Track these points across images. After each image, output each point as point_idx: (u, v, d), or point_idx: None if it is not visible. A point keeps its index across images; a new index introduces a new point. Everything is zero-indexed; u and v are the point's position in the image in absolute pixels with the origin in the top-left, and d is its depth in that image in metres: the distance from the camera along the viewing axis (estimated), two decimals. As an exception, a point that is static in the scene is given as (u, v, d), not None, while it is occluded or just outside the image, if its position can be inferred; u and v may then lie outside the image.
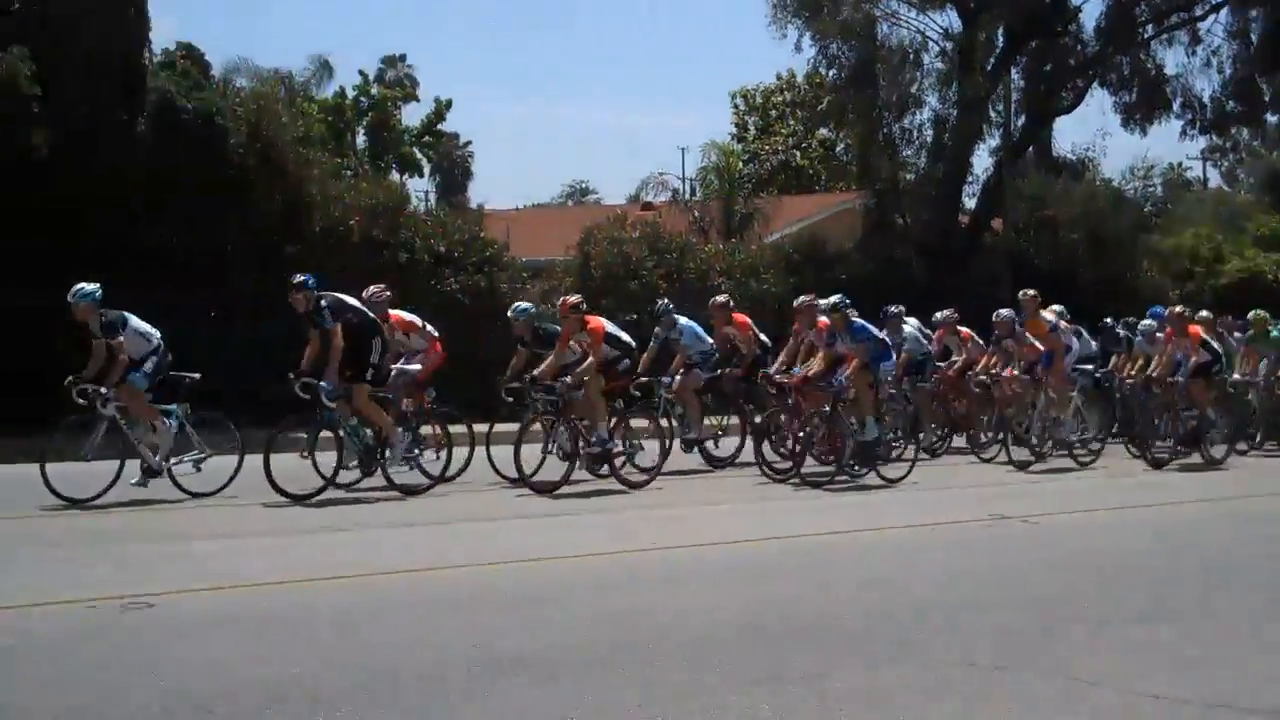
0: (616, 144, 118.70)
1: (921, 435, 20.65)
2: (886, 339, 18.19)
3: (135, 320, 15.19)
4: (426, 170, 60.16)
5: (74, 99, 24.04)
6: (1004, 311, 20.70)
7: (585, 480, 16.42)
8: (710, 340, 19.40)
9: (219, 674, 7.14)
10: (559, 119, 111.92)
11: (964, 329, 22.52)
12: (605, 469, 16.46)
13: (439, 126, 58.57)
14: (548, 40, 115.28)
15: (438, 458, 16.51)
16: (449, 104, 57.86)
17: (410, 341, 16.95)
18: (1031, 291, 20.46)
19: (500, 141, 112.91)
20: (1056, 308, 21.54)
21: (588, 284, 29.96)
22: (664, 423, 18.13)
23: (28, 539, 12.34)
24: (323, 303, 15.07)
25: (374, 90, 56.72)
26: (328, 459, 15.17)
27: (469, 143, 59.91)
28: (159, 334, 15.42)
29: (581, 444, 16.17)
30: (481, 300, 27.49)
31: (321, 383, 14.87)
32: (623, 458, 16.53)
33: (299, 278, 15.32)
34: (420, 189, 55.91)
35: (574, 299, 16.60)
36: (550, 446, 16.51)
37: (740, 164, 48.32)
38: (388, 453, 15.56)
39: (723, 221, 38.68)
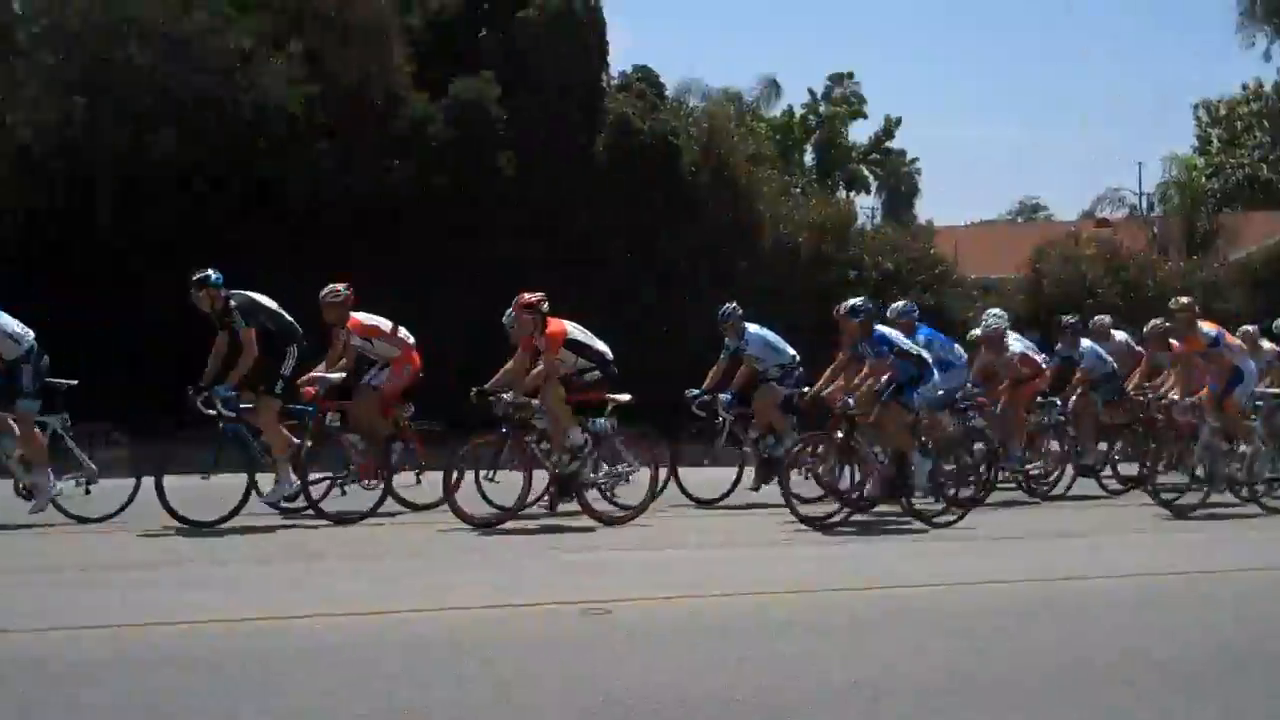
0: (1067, 159, 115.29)
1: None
2: (925, 354, 14.52)
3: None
4: (873, 187, 59.97)
5: (536, 122, 25.09)
6: (1156, 322, 17.83)
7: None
8: (790, 350, 16.13)
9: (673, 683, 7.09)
10: (1006, 135, 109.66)
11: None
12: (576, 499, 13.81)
13: (887, 144, 58.34)
14: (994, 56, 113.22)
15: (418, 481, 14.50)
16: (898, 121, 57.60)
17: (375, 348, 14.51)
18: (1186, 299, 16.04)
19: (947, 158, 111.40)
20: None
21: (1040, 302, 29.19)
22: (743, 449, 15.75)
23: (294, 552, 11.90)
24: (232, 303, 13.20)
25: (821, 108, 56.98)
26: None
27: (915, 159, 59.36)
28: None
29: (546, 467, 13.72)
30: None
31: (219, 388, 12.90)
32: (594, 487, 13.98)
33: (201, 274, 13.22)
34: (866, 206, 55.75)
35: (532, 296, 13.70)
36: (490, 473, 13.93)
37: (1203, 178, 46.08)
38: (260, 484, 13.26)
39: (1183, 238, 36.96)
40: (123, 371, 20.16)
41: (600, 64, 26.92)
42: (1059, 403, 17.07)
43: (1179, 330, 15.72)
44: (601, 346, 14.08)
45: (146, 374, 19.62)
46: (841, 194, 49.80)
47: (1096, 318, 18.99)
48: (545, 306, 13.69)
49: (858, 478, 14.06)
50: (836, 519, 13.68)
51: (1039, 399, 16.99)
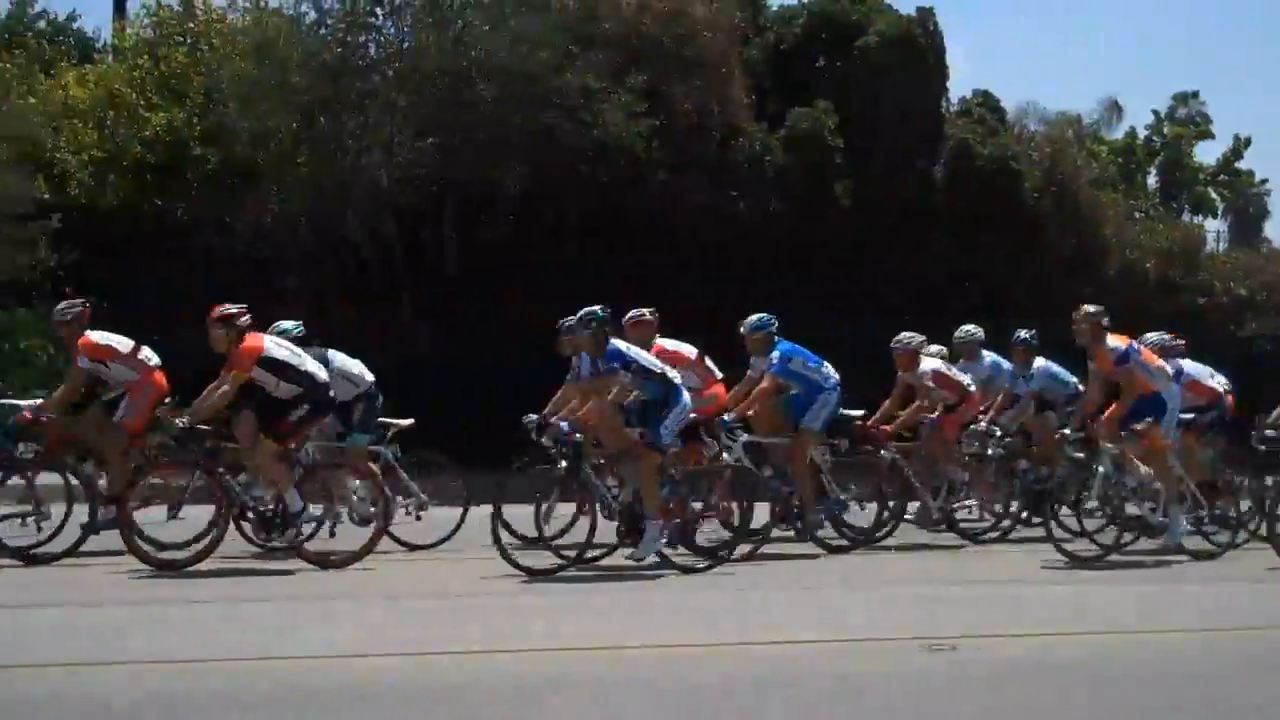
0: None
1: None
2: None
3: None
4: (1220, 210, 57.47)
5: (874, 150, 24.94)
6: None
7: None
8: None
9: None
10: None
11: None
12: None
13: (1236, 165, 55.88)
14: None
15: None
16: (1247, 142, 55.09)
17: (112, 371, 13.22)
18: (1091, 308, 13.75)
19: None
20: None
21: None
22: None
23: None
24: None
25: (1165, 129, 54.95)
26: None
27: (1265, 180, 56.60)
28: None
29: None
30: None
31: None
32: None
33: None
34: (1212, 229, 53.50)
35: (225, 310, 12.27)
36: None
37: None
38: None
39: None
40: (466, 401, 20.78)
41: (939, 89, 26.67)
42: (999, 431, 15.07)
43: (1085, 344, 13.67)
44: (312, 368, 12.59)
45: (492, 405, 20.09)
46: (1186, 217, 47.94)
47: (966, 329, 16.15)
48: (243, 320, 12.33)
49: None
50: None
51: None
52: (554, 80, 22.93)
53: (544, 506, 12.59)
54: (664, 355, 13.22)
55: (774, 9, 27.80)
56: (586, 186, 23.36)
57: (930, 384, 14.82)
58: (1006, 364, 15.81)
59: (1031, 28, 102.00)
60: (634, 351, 12.41)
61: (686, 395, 12.55)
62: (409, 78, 23.47)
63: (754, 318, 13.76)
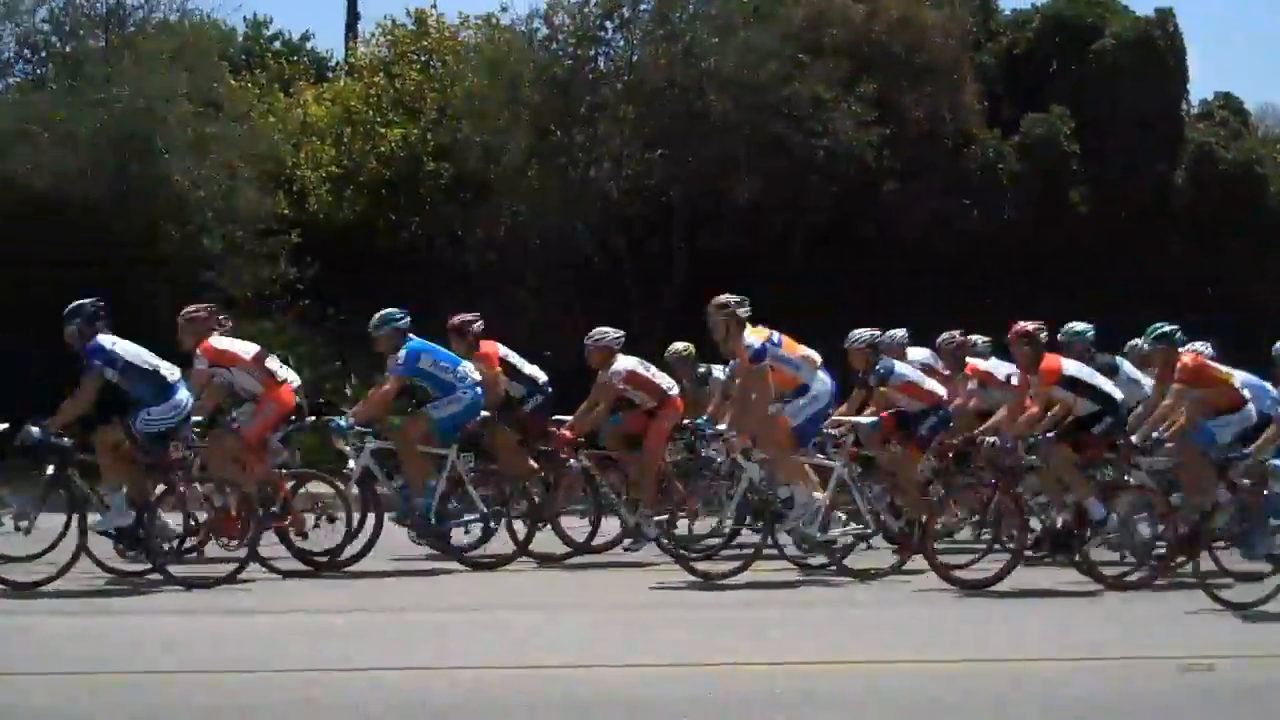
0: None
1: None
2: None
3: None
4: None
5: (1111, 156, 24.38)
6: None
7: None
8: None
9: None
10: None
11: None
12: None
13: None
14: None
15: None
16: None
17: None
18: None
19: None
20: None
21: None
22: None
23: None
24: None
25: None
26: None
27: None
28: None
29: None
30: None
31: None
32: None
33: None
34: None
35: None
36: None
37: None
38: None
39: None
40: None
41: (1179, 91, 25.90)
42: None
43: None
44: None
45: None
46: None
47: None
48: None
49: None
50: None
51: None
52: (783, 90, 22.88)
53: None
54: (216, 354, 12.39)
55: (1006, 13, 27.33)
56: (816, 196, 23.21)
57: (621, 385, 13.43)
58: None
59: (1270, 26, 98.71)
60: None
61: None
62: (638, 90, 23.60)
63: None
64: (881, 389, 13.31)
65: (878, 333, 13.71)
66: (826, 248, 23.25)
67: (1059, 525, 11.93)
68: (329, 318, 23.17)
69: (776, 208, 23.10)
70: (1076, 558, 11.75)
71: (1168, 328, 12.39)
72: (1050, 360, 11.86)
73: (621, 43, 24.45)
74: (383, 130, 24.84)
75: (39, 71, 24.20)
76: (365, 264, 23.49)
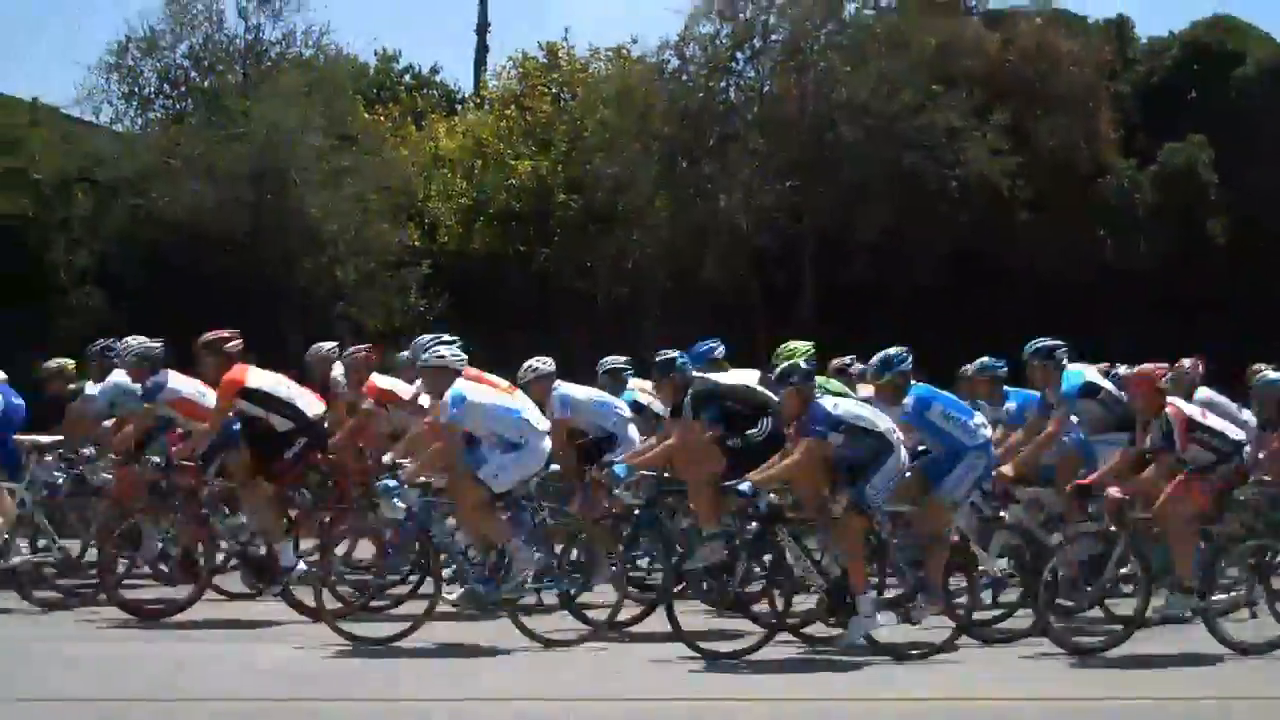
0: None
1: None
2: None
3: None
4: None
5: (1253, 185, 23.77)
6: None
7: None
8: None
9: None
10: None
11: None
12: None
13: None
14: None
15: None
16: None
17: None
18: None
19: None
20: None
21: None
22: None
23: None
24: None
25: None
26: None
27: None
28: None
29: None
30: None
31: None
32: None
33: None
34: None
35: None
36: None
37: None
38: None
39: None
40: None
41: (1327, 117, 25.19)
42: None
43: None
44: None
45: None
46: None
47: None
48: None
49: None
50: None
51: None
52: (915, 120, 22.66)
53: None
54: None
55: (1143, 41, 26.84)
56: (947, 226, 22.93)
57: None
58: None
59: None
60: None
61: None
62: (769, 121, 23.53)
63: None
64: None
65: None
66: (957, 279, 22.94)
67: None
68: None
69: (906, 238, 22.85)
70: None
71: None
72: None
73: (752, 73, 24.50)
74: (513, 162, 25.00)
75: (179, 106, 24.73)
76: (494, 295, 23.65)
